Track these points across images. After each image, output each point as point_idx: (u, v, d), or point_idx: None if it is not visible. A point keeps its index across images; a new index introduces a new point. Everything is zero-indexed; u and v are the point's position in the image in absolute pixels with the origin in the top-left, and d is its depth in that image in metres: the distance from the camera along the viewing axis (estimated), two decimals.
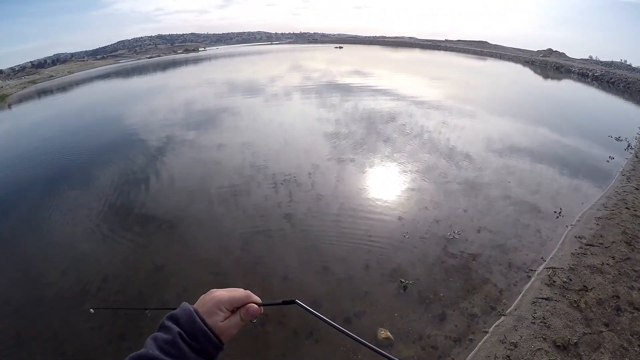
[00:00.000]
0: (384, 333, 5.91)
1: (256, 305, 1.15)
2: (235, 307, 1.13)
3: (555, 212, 9.58)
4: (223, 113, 20.47)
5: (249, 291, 1.17)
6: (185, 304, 1.10)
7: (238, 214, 9.54)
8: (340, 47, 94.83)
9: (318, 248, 8.05)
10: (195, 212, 9.83)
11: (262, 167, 12.30)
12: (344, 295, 6.77)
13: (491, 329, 6.04)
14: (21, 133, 25.15)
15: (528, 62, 59.91)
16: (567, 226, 8.97)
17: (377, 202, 9.91)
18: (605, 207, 9.78)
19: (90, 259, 8.35)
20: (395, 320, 6.21)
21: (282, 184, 10.94)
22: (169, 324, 1.06)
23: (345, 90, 24.96)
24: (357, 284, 7.01)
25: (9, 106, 52.06)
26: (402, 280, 6.96)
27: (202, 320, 1.06)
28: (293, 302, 1.26)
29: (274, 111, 20.31)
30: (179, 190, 11.23)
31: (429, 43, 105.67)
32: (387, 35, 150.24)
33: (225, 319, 1.09)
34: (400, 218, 9.18)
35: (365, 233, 8.54)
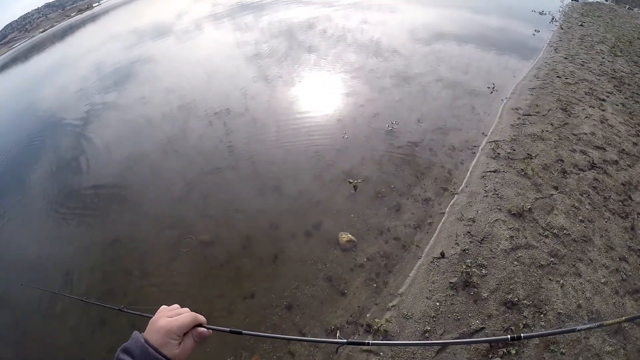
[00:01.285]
0: (345, 236, 6.09)
1: (207, 330, 1.25)
2: (185, 332, 1.19)
3: (488, 88, 9.81)
4: (136, 64, 19.52)
5: (193, 313, 1.24)
6: (136, 335, 1.14)
7: (181, 162, 9.39)
8: None
9: (266, 171, 8.11)
10: (139, 175, 9.62)
11: (191, 107, 12.01)
12: (299, 210, 6.92)
13: (447, 209, 6.31)
14: None
15: None
16: (502, 100, 9.27)
17: (314, 112, 9.96)
18: (537, 78, 10.07)
19: (47, 252, 8.07)
20: (353, 221, 6.41)
21: (215, 118, 10.77)
22: (125, 357, 1.09)
23: (257, 7, 24.05)
24: (310, 195, 7.16)
25: None
26: (351, 181, 7.11)
27: (157, 351, 1.10)
28: (240, 333, 1.40)
29: (189, 48, 19.72)
30: (117, 157, 10.79)
31: None
32: None
33: (179, 345, 1.15)
34: (339, 120, 9.28)
35: (308, 144, 8.61)
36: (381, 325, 4.68)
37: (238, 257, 6.31)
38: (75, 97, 18.56)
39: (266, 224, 6.71)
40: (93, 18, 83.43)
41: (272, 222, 6.70)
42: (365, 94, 10.31)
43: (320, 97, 10.69)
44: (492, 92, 9.60)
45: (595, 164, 6.61)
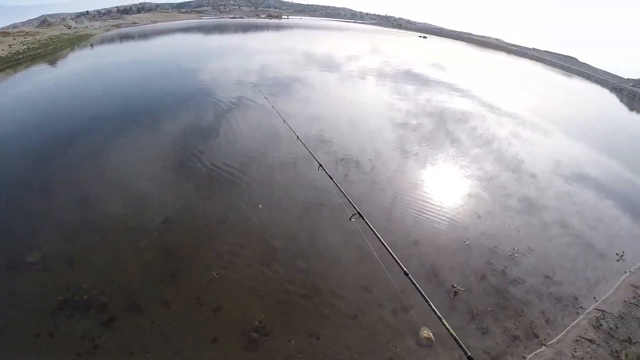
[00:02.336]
0: (426, 333, 6.10)
1: None
2: None
3: (617, 254, 9.27)
4: (296, 82, 20.82)
5: None
6: None
7: (292, 183, 9.93)
8: (425, 37, 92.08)
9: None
10: (254, 174, 10.34)
11: (326, 141, 12.56)
12: (394, 286, 6.51)
13: (529, 356, 6.10)
14: (102, 71, 27.75)
15: (616, 88, 57.20)
16: (625, 272, 8.73)
17: (432, 200, 9.87)
18: None
19: (153, 199, 9.16)
20: (439, 322, 6.33)
21: (341, 163, 11.10)
22: None
23: (422, 81, 24.62)
24: (404, 280, 6.97)
25: (91, 45, 55.34)
26: (454, 285, 7.10)
27: None
28: None
29: (347, 89, 20.45)
30: (241, 150, 11.80)
31: (515, 48, 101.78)
32: (473, 33, 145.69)
33: None
34: (452, 221, 9.15)
35: (412, 229, 8.56)
36: None
37: (324, 296, 6.67)
38: (233, 84, 20.61)
39: (357, 285, 6.94)
40: (277, 27, 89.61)
41: (365, 285, 6.92)
42: (487, 206, 10.16)
43: (443, 190, 10.66)
44: (618, 260, 9.07)
45: None
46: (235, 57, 33.18)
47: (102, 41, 63.92)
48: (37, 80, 28.30)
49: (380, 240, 4.81)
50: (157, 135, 13.40)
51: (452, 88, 24.01)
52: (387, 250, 4.74)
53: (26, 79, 30.55)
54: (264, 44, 48.34)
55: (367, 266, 7.12)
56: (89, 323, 5.97)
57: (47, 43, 65.03)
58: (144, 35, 69.12)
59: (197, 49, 44.22)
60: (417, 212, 9.30)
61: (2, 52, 54.82)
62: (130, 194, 9.39)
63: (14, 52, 55.14)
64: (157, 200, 9.11)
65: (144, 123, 14.58)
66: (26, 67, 40.22)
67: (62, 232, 8.03)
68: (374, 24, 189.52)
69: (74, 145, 12.53)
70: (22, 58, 47.88)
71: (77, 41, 69.76)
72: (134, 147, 12.39)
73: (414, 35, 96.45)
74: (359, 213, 5.26)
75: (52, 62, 41.99)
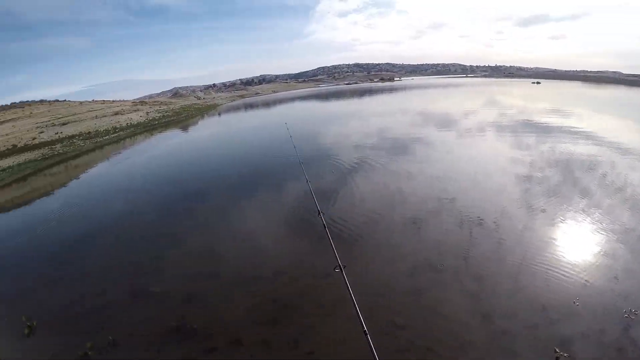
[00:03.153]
0: None
1: None
2: None
3: None
4: (415, 143, 20.74)
5: None
6: None
7: (413, 243, 9.48)
8: (538, 83, 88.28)
9: (486, 294, 7.36)
10: (374, 232, 10.17)
11: (447, 201, 11.97)
12: (494, 350, 6.13)
13: None
14: (228, 135, 30.19)
15: None
16: None
17: (562, 260, 8.53)
18: None
19: (266, 252, 9.63)
20: None
21: (465, 221, 10.48)
22: None
23: (543, 130, 23.18)
24: (512, 340, 6.18)
25: (219, 114, 60.96)
26: (557, 350, 5.88)
27: None
28: None
29: (465, 146, 19.69)
30: (362, 208, 11.72)
31: (636, 79, 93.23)
32: (588, 70, 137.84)
33: None
34: (585, 282, 7.68)
35: (542, 291, 7.41)
36: None
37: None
38: (352, 147, 21.04)
39: (456, 344, 6.33)
40: (390, 89, 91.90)
41: (463, 345, 6.32)
42: (626, 265, 8.34)
43: (574, 248, 9.11)
44: None
45: None
46: (352, 120, 34.55)
47: (228, 110, 69.88)
48: (171, 143, 31.76)
49: None
50: (278, 193, 14.13)
51: (575, 133, 22.25)
52: None
53: (161, 141, 34.25)
54: (380, 106, 49.86)
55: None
56: (194, 347, 6.63)
57: (180, 111, 72.88)
58: (266, 104, 74.33)
59: (315, 114, 46.76)
60: (547, 271, 8.09)
61: (141, 118, 62.52)
62: (249, 246, 10.04)
63: (150, 118, 62.66)
64: (273, 253, 9.55)
65: (266, 182, 15.60)
66: (161, 131, 44.95)
67: (185, 273, 9.04)
68: (485, 76, 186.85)
69: (203, 200, 14.45)
70: (157, 124, 54.20)
71: (206, 110, 77.31)
72: (256, 205, 13.21)
73: (527, 83, 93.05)
74: None
75: (184, 128, 46.65)
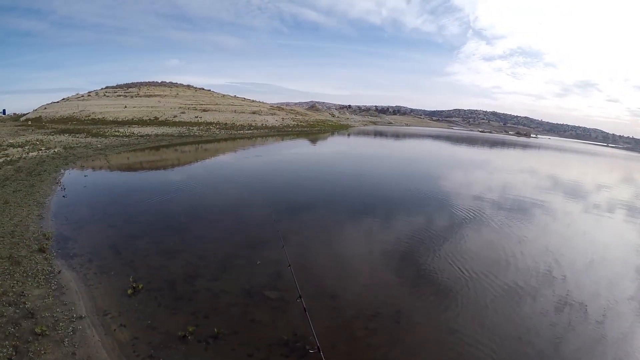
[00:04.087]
0: None
1: None
2: None
3: None
4: (536, 207, 19.99)
5: None
6: None
7: (507, 317, 8.83)
8: None
9: None
10: (475, 297, 9.65)
11: (555, 279, 11.14)
12: None
13: None
14: (353, 158, 32.36)
15: None
16: None
17: None
18: None
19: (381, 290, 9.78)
20: None
21: (566, 307, 9.57)
22: None
23: None
24: None
25: (348, 135, 62.97)
26: None
27: None
28: None
29: (589, 222, 18.62)
30: (467, 264, 11.48)
31: None
32: None
33: None
34: None
35: None
36: None
37: None
38: (471, 197, 21.01)
39: None
40: (524, 145, 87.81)
41: None
42: None
43: None
44: None
45: None
46: (478, 170, 34.18)
47: (359, 133, 71.60)
48: (298, 152, 33.93)
49: None
50: (387, 224, 14.77)
51: None
52: None
53: (289, 148, 36.58)
54: (509, 161, 48.55)
55: None
56: None
57: (313, 124, 76.68)
58: (396, 135, 75.15)
59: (443, 157, 46.54)
60: None
61: (276, 122, 66.97)
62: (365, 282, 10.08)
63: (285, 124, 66.89)
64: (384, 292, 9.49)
65: (381, 212, 16.32)
66: (292, 138, 47.38)
67: (313, 285, 9.06)
68: (627, 148, 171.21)
69: (301, 212, 15.66)
70: (290, 131, 57.51)
71: (338, 128, 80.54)
72: (364, 233, 13.81)
73: None
74: None
75: (313, 141, 48.74)
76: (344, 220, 15.00)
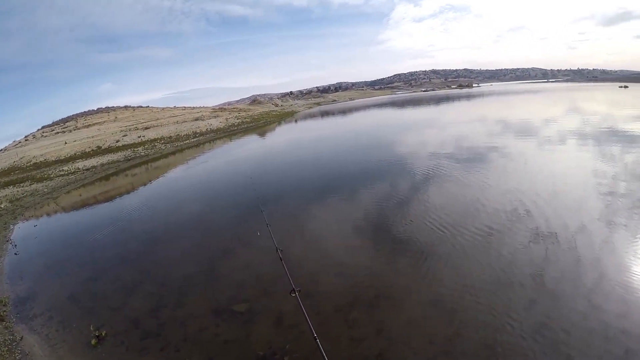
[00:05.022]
0: None
1: None
2: None
3: None
4: (491, 152, 20.23)
5: None
6: None
7: (482, 259, 8.95)
8: (626, 87, 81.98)
9: (560, 323, 6.54)
10: (446, 247, 9.73)
11: (522, 216, 11.31)
12: None
13: None
14: (306, 142, 32.10)
15: None
16: None
17: None
18: None
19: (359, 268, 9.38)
20: None
21: (537, 239, 9.78)
22: None
23: (629, 139, 21.73)
24: None
25: (295, 120, 62.95)
26: None
27: None
28: None
29: (544, 157, 18.87)
30: (437, 221, 11.46)
31: None
32: None
33: None
34: None
35: (619, 321, 6.51)
36: None
37: None
38: (427, 154, 21.21)
39: None
40: (468, 96, 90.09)
41: None
42: None
43: None
44: None
45: None
46: (428, 129, 34.46)
47: (305, 117, 71.54)
48: (248, 148, 33.50)
49: None
50: (357, 198, 14.48)
51: None
52: None
53: (239, 146, 36.11)
54: (457, 114, 49.15)
55: None
56: None
57: (258, 118, 76.10)
58: (342, 111, 75.37)
59: (390, 122, 46.98)
60: (625, 296, 7.18)
61: (220, 124, 66.02)
62: (337, 263, 9.63)
63: (230, 124, 65.99)
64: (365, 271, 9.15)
65: (346, 188, 16.05)
66: (240, 137, 46.84)
67: (269, 293, 8.52)
68: (567, 80, 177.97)
69: (273, 203, 15.08)
70: (236, 129, 56.97)
71: (283, 117, 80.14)
72: (335, 211, 13.52)
73: (613, 87, 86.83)
74: None
75: (262, 134, 48.39)
76: (310, 206, 14.61)
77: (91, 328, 7.94)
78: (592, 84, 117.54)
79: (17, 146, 70.53)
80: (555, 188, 13.81)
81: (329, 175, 19.03)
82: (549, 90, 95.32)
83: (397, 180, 16.54)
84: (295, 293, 5.28)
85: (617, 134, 23.13)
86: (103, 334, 7.72)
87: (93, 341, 7.51)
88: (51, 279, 11.43)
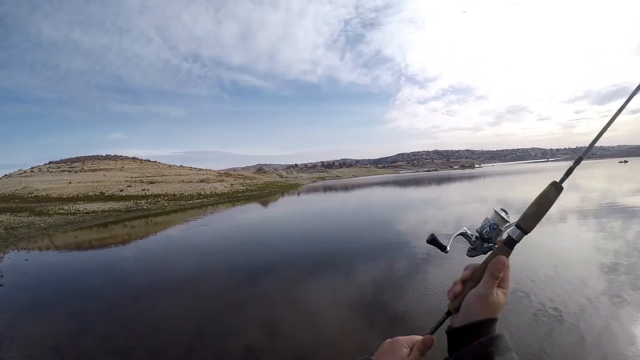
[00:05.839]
0: None
1: (431, 336, 1.15)
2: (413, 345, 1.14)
3: None
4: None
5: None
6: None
7: None
8: (625, 162, 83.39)
9: None
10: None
11: (522, 296, 10.69)
12: None
13: None
14: (307, 215, 31.72)
15: None
16: None
17: None
18: None
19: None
20: None
21: (542, 316, 9.38)
22: None
23: (630, 214, 21.85)
24: None
25: (298, 193, 63.31)
26: None
27: None
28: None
29: (545, 234, 18.16)
30: (425, 303, 10.90)
31: None
32: None
33: (408, 355, 1.09)
34: None
35: None
36: None
37: None
38: (426, 233, 20.84)
39: None
40: (470, 177, 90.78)
41: None
42: None
43: None
44: None
45: None
46: (429, 209, 34.33)
47: (308, 190, 71.93)
48: (250, 217, 33.24)
49: None
50: (348, 278, 13.89)
51: None
52: None
53: (241, 213, 35.89)
54: (458, 194, 49.21)
55: None
56: None
57: (263, 187, 76.90)
58: (345, 188, 75.99)
59: (390, 200, 47.14)
60: None
61: (225, 188, 66.60)
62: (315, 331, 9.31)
63: (234, 190, 66.58)
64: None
65: (340, 266, 15.38)
66: (242, 203, 46.82)
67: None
68: (566, 159, 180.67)
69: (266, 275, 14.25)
70: (240, 196, 57.28)
71: (287, 188, 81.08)
72: (324, 286, 12.96)
73: (613, 162, 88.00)
74: None
75: (264, 204, 48.48)
76: (306, 279, 14.22)
77: None
78: (591, 161, 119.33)
79: (21, 175, 71.15)
80: (555, 265, 13.31)
81: (327, 253, 18.49)
82: (548, 169, 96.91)
83: (395, 259, 16.12)
84: None
85: (617, 210, 23.10)
86: None
87: None
88: (34, 322, 10.70)
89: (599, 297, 10.28)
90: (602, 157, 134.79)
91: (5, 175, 74.76)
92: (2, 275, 14.68)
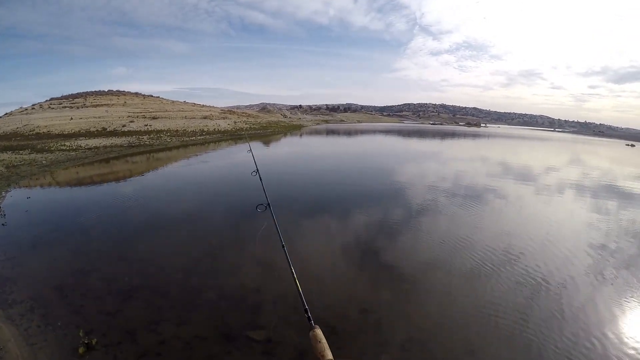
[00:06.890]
0: None
1: None
2: None
3: None
4: (489, 193, 20.22)
5: None
6: None
7: (470, 292, 8.88)
8: (632, 145, 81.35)
9: None
10: (429, 278, 9.58)
11: (513, 259, 11.08)
12: None
13: None
14: (308, 158, 32.40)
15: None
16: None
17: (633, 342, 7.34)
18: None
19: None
20: None
21: (528, 283, 9.59)
22: None
23: (627, 196, 21.73)
24: None
25: (300, 135, 63.16)
26: None
27: None
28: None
29: (541, 203, 18.82)
30: (422, 252, 11.29)
31: None
32: None
33: None
34: None
35: None
36: None
37: None
38: (425, 186, 21.25)
39: None
40: (474, 135, 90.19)
41: None
42: None
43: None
44: None
45: None
46: (431, 162, 34.58)
47: (311, 132, 71.67)
48: (254, 154, 33.11)
49: None
50: (344, 223, 14.11)
51: None
52: None
53: (242, 150, 35.91)
54: (461, 152, 49.43)
55: None
56: None
57: (266, 126, 76.47)
58: (348, 133, 75.60)
59: (395, 150, 47.13)
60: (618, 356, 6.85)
61: (228, 126, 66.23)
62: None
63: (237, 128, 66.25)
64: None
65: (335, 210, 15.63)
66: (245, 142, 46.82)
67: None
68: (573, 132, 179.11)
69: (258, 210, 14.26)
70: (243, 134, 56.85)
71: (291, 129, 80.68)
72: (324, 234, 13.06)
73: (619, 144, 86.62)
74: None
75: (266, 143, 48.37)
76: (303, 219, 14.40)
77: (80, 333, 6.82)
78: (597, 138, 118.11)
79: (22, 113, 69.86)
80: (547, 236, 13.58)
81: (326, 196, 18.96)
82: (554, 139, 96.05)
83: (393, 208, 16.42)
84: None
85: (616, 191, 23.17)
86: (93, 342, 6.61)
87: (81, 349, 6.43)
88: (38, 262, 10.30)
89: (583, 273, 10.48)
90: (609, 136, 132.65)
91: (7, 113, 72.86)
92: (5, 215, 14.37)
